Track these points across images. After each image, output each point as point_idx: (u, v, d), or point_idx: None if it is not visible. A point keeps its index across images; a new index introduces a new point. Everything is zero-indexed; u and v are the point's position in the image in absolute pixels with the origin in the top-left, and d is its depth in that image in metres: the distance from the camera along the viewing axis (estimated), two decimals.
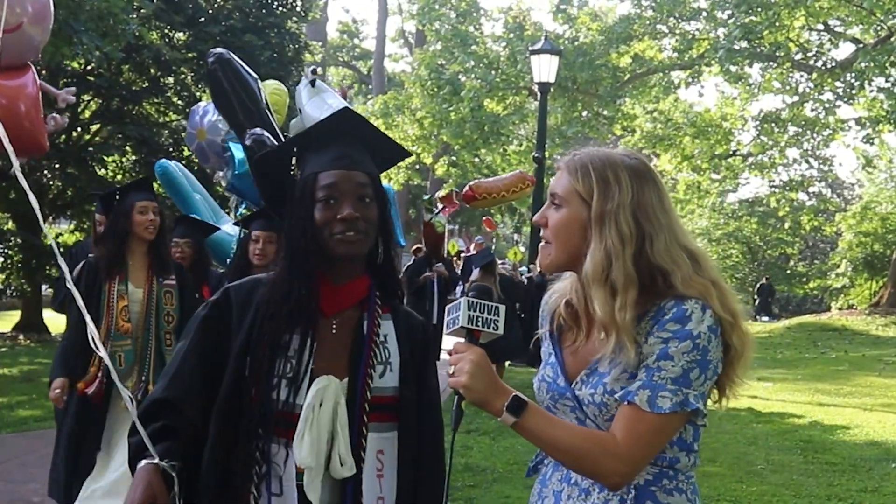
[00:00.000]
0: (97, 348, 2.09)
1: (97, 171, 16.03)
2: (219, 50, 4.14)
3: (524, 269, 12.67)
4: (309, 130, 2.11)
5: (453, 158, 24.99)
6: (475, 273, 10.49)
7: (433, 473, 2.10)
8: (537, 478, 2.04)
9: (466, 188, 9.81)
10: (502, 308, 1.82)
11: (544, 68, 14.82)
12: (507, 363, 11.02)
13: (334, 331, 2.04)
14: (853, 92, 19.90)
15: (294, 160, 2.08)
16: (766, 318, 28.23)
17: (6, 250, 15.84)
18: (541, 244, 1.92)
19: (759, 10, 19.12)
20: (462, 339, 1.82)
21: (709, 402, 1.89)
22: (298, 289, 1.98)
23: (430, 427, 2.13)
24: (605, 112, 22.52)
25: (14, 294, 16.46)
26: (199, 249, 5.54)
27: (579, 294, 1.92)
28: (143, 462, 1.87)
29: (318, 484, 1.93)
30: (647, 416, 1.72)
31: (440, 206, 11.52)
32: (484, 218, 11.60)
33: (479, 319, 1.78)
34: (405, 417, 2.07)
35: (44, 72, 11.81)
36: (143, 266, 4.60)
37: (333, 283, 2.03)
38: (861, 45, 19.73)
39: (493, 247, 16.10)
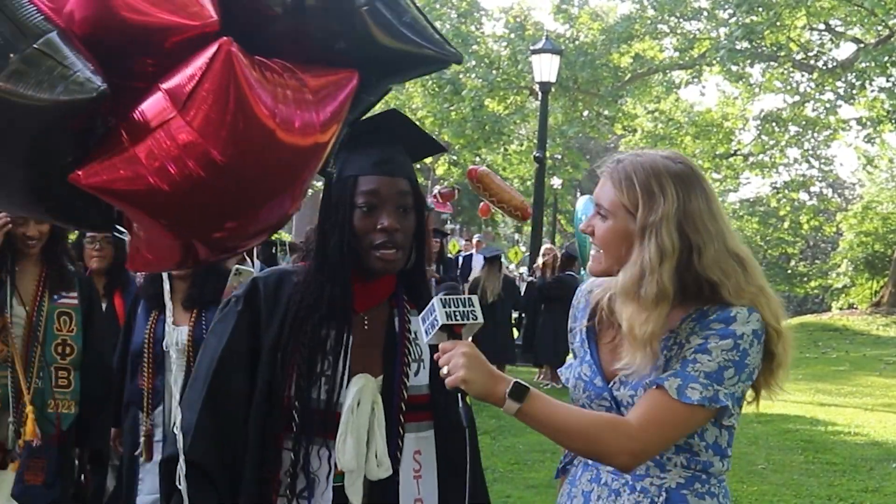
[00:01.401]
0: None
1: None
2: None
3: (525, 270, 12.65)
4: (352, 126, 2.04)
5: (454, 158, 24.99)
6: (478, 269, 10.50)
7: (458, 482, 2.03)
8: (567, 478, 2.02)
9: (480, 168, 9.82)
10: (474, 297, 1.79)
11: (545, 68, 14.80)
12: (506, 366, 11.01)
13: (366, 327, 2.01)
14: (854, 92, 19.87)
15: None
16: None
17: None
18: (591, 250, 1.89)
19: (761, 9, 19.10)
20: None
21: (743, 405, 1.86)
22: (332, 290, 1.94)
23: (457, 431, 2.05)
24: (606, 112, 22.51)
25: None
26: (120, 247, 4.51)
27: None
28: None
29: (359, 486, 1.91)
30: (673, 403, 1.71)
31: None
32: (481, 205, 11.58)
33: (457, 313, 1.74)
34: (441, 416, 2.03)
35: None
36: (33, 278, 3.48)
37: (364, 281, 1.99)
38: (862, 45, 19.71)
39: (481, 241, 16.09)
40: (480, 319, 1.75)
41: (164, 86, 1.41)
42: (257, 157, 1.44)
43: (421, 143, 2.11)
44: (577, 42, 21.55)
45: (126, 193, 1.41)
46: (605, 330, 1.95)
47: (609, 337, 1.93)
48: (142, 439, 3.69)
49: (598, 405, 1.88)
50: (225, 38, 1.39)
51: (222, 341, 1.97)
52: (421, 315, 1.79)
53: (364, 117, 1.94)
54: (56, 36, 1.36)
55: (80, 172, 1.39)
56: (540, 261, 11.47)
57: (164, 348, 3.64)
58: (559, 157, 25.50)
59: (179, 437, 1.89)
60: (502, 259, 11.90)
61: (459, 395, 1.71)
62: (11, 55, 1.33)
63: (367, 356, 1.98)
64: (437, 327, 1.73)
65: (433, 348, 1.84)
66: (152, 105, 1.41)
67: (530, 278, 12.07)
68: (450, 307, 1.73)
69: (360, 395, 1.92)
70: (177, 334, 3.70)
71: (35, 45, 1.34)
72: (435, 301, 1.74)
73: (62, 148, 1.40)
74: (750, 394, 1.88)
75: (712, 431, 1.83)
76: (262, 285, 2.01)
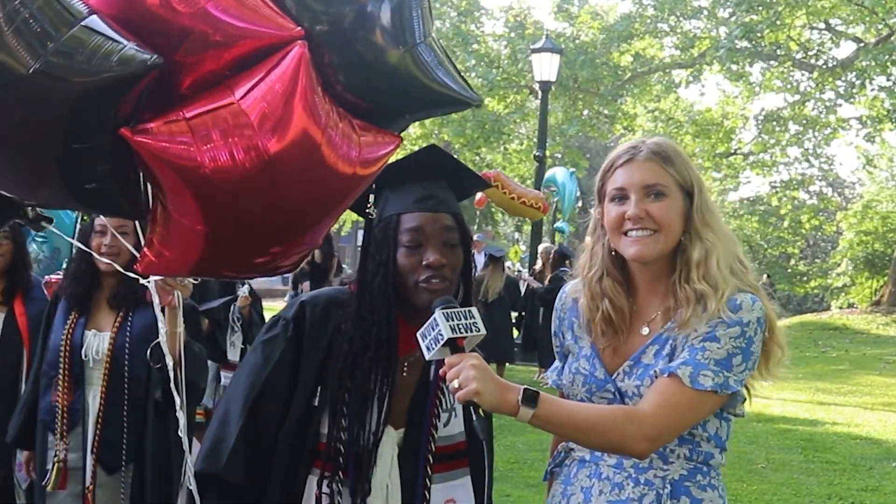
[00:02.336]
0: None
1: None
2: None
3: (524, 271, 12.66)
4: (391, 167, 1.97)
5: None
6: (481, 267, 10.54)
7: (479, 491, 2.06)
8: (557, 480, 2.01)
9: (491, 172, 9.82)
10: (474, 309, 1.78)
11: (545, 67, 14.80)
12: (506, 364, 11.02)
13: (405, 374, 1.97)
14: (854, 91, 19.87)
15: (371, 197, 1.94)
16: None
17: None
18: (638, 233, 1.87)
19: (761, 8, 19.10)
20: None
21: None
22: (378, 333, 1.90)
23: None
24: (606, 111, 22.50)
25: None
26: (19, 244, 3.83)
27: (621, 295, 1.93)
28: None
29: None
30: (686, 390, 1.75)
31: None
32: (478, 197, 11.52)
33: (461, 326, 1.72)
34: (477, 461, 2.01)
35: None
36: None
37: (409, 325, 1.92)
38: (862, 44, 19.71)
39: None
40: (483, 331, 1.73)
41: (231, 80, 1.45)
42: (301, 167, 1.47)
43: (463, 178, 2.06)
44: (577, 41, 21.54)
45: (171, 162, 1.42)
46: (604, 331, 1.95)
47: (608, 336, 1.94)
48: (53, 466, 3.09)
49: (600, 398, 1.89)
50: (302, 41, 1.43)
51: (269, 365, 1.95)
52: (420, 332, 1.75)
53: (404, 155, 1.94)
54: (97, 17, 1.39)
55: (129, 129, 1.41)
56: (538, 264, 11.46)
57: (83, 357, 3.15)
58: (559, 155, 25.49)
59: (186, 441, 1.88)
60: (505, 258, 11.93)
61: (472, 407, 1.69)
62: (54, 35, 1.35)
63: (396, 404, 1.95)
64: (441, 342, 1.70)
65: (438, 363, 1.82)
66: (214, 91, 1.45)
67: (528, 279, 12.05)
68: (452, 320, 1.71)
69: (382, 449, 1.92)
70: (97, 342, 3.16)
71: (82, 23, 1.36)
72: (437, 316, 1.71)
73: (102, 127, 1.42)
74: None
75: (713, 422, 1.87)
76: (308, 312, 1.98)
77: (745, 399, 1.89)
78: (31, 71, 1.33)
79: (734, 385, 1.77)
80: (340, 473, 1.90)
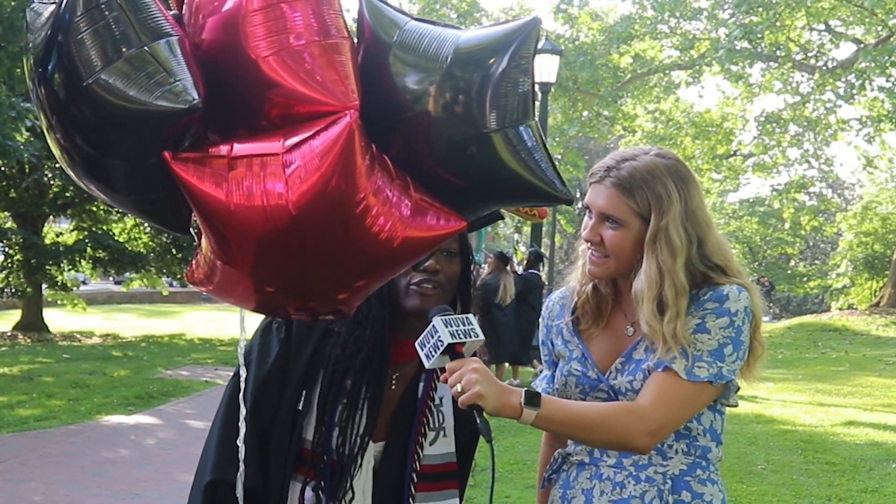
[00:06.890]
0: None
1: None
2: None
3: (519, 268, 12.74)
4: None
5: None
6: (489, 268, 10.59)
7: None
8: (555, 485, 2.01)
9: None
10: (471, 315, 1.79)
11: (545, 68, 14.79)
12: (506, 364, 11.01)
13: (393, 386, 1.97)
14: (854, 92, 19.89)
15: None
16: (766, 318, 28.20)
17: (6, 249, 15.84)
18: (592, 253, 1.90)
19: (760, 10, 19.13)
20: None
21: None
22: (372, 337, 1.90)
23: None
24: (606, 112, 22.50)
25: (15, 293, 16.44)
26: None
27: (607, 281, 1.94)
28: None
29: None
30: (682, 382, 1.77)
31: None
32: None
33: (460, 332, 1.72)
34: (466, 485, 2.02)
35: None
36: None
37: (399, 337, 1.92)
38: (862, 45, 19.73)
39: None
40: (481, 336, 1.74)
41: (288, 129, 1.46)
42: (328, 230, 1.46)
43: None
44: (576, 42, 21.55)
45: (200, 198, 1.43)
46: (588, 324, 1.97)
47: (593, 329, 1.96)
48: None
49: (594, 397, 1.90)
50: (355, 112, 1.43)
51: (264, 367, 1.96)
52: (419, 340, 1.74)
53: None
54: (166, 44, 1.41)
55: (170, 155, 1.43)
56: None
57: None
58: (559, 156, 25.50)
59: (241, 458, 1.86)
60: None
61: (476, 411, 1.68)
62: (124, 50, 1.37)
63: (379, 416, 1.95)
64: (441, 349, 1.70)
65: (439, 371, 1.80)
66: (267, 136, 1.46)
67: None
68: (451, 327, 1.72)
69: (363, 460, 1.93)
70: None
71: (145, 48, 1.38)
72: (436, 322, 1.72)
73: (148, 149, 1.44)
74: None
75: (708, 415, 1.88)
76: None
77: (738, 388, 1.91)
78: (85, 84, 1.36)
79: (727, 374, 1.80)
80: (323, 481, 1.90)
